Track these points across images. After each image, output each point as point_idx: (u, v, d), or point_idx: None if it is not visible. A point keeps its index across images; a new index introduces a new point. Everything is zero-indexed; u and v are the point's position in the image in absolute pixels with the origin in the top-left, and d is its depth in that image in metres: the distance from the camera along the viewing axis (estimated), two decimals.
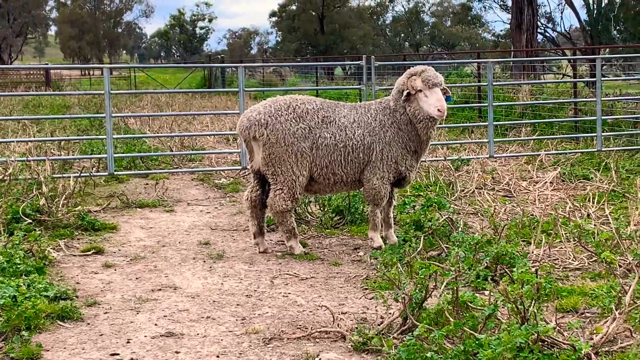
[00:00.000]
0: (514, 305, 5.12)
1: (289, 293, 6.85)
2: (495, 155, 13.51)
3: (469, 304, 5.76)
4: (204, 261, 7.93)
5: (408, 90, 8.03)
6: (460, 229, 8.33)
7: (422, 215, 8.01)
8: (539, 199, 10.91)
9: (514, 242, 7.94)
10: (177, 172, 13.21)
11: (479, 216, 9.99)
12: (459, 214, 10.02)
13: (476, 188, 11.73)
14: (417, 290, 5.67)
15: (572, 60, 19.44)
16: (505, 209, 10.03)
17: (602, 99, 14.42)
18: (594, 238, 7.76)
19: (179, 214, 10.30)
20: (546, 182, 12.01)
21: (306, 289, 6.99)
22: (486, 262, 7.08)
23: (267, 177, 8.07)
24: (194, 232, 9.30)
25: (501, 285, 5.52)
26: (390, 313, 5.93)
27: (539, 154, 13.82)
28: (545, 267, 7.31)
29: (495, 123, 13.88)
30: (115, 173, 12.02)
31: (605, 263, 7.26)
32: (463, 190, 11.48)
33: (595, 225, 8.97)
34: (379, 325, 5.83)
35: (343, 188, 8.38)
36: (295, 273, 7.48)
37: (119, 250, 8.44)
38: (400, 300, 5.66)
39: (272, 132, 7.88)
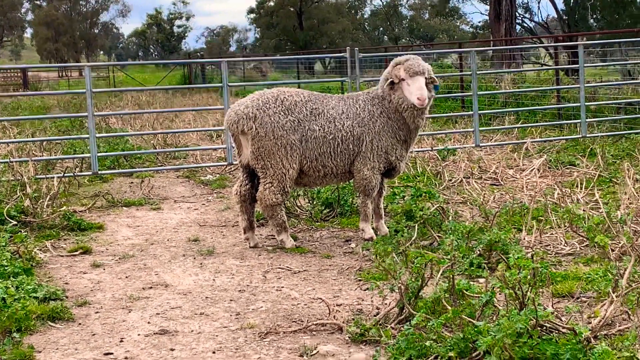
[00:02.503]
0: (511, 291, 5.07)
1: (283, 287, 6.78)
2: (481, 145, 13.47)
3: (465, 292, 5.71)
4: (194, 258, 7.85)
5: (391, 80, 7.99)
6: (451, 218, 8.27)
7: (414, 205, 7.94)
8: (527, 187, 10.88)
9: (505, 229, 7.91)
10: (162, 169, 13.10)
11: (468, 205, 9.95)
12: (448, 203, 9.98)
13: (464, 177, 11.69)
14: (413, 280, 5.61)
15: (553, 48, 19.37)
16: (494, 197, 10.00)
17: (585, 85, 14.40)
18: (585, 223, 7.72)
19: (166, 212, 10.21)
20: (533, 169, 11.99)
21: (299, 282, 6.92)
22: (479, 250, 7.04)
23: (256, 171, 7.99)
24: (182, 229, 9.21)
25: (498, 271, 5.46)
26: (386, 303, 5.88)
27: (524, 142, 13.80)
28: (538, 253, 7.26)
29: (480, 112, 13.83)
30: (100, 172, 11.87)
31: (598, 247, 7.26)
32: (451, 180, 11.44)
33: (585, 210, 8.95)
34: (375, 315, 5.77)
35: (333, 180, 8.33)
36: (287, 267, 7.41)
37: (107, 249, 8.34)
38: (396, 290, 5.61)
39: (261, 126, 7.81)
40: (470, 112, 13.72)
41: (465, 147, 13.51)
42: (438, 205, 8.06)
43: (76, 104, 26.04)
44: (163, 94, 29.38)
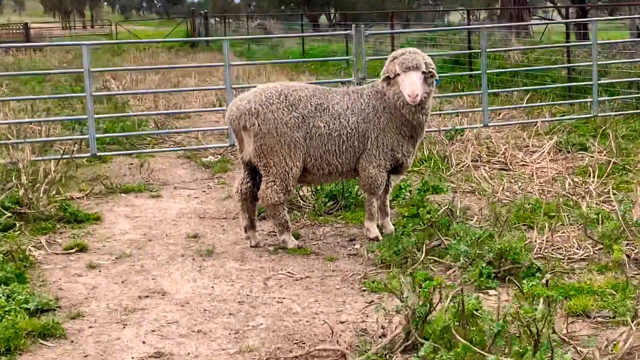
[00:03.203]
0: (526, 329, 4.79)
1: (284, 298, 6.51)
2: (489, 124, 13.11)
3: (475, 312, 5.43)
4: (193, 259, 7.58)
5: (387, 75, 7.67)
6: (459, 219, 7.98)
7: (421, 207, 7.63)
8: (536, 173, 10.56)
9: (516, 231, 7.64)
10: (163, 151, 12.69)
11: (477, 195, 9.65)
12: (456, 192, 9.70)
13: (472, 161, 11.38)
14: (420, 304, 5.34)
15: (565, 24, 18.86)
16: (503, 187, 9.68)
17: (598, 62, 14.02)
18: (598, 223, 7.41)
19: (165, 200, 9.92)
20: (543, 152, 11.67)
21: (301, 292, 6.65)
22: (489, 258, 6.75)
23: (258, 168, 7.70)
24: (182, 221, 8.93)
25: (511, 304, 5.17)
26: (391, 323, 5.60)
27: (535, 122, 13.44)
28: (551, 261, 6.98)
29: (490, 91, 13.45)
30: (98, 154, 11.54)
31: (612, 255, 6.98)
32: (459, 164, 11.13)
33: (597, 204, 8.67)
34: (380, 337, 5.51)
35: (338, 178, 8.04)
36: (289, 272, 7.14)
37: (104, 246, 8.07)
38: (402, 314, 5.34)
39: (264, 122, 7.49)
40: (480, 92, 13.32)
41: (473, 127, 13.12)
42: (446, 207, 7.73)
43: (78, 63, 25.42)
44: (166, 52, 28.74)
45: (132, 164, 11.75)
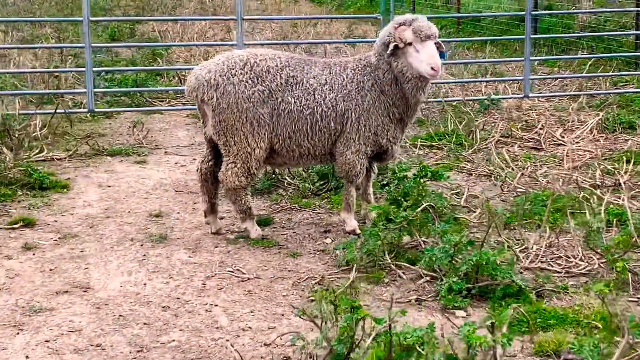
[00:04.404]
0: None
1: (216, 305, 5.63)
2: (531, 95, 11.85)
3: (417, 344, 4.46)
4: (141, 245, 6.75)
5: (395, 43, 6.59)
6: (448, 216, 6.95)
7: (393, 208, 6.58)
8: (568, 156, 9.39)
9: (511, 234, 6.60)
10: (167, 110, 11.69)
11: (491, 180, 8.57)
12: (471, 174, 8.67)
13: (502, 136, 10.25)
14: (339, 341, 4.39)
15: None
16: (521, 175, 8.56)
17: None
18: (603, 238, 6.29)
19: (149, 167, 9.08)
20: (584, 130, 10.45)
21: (240, 297, 5.76)
22: (464, 270, 5.74)
23: (219, 147, 6.79)
24: (154, 195, 8.11)
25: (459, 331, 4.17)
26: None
27: (583, 94, 12.12)
28: (540, 277, 5.92)
29: (532, 58, 12.13)
30: (96, 110, 10.73)
31: (616, 273, 5.90)
32: (485, 140, 10.00)
33: (624, 199, 7.51)
34: None
35: (311, 161, 7.08)
36: (238, 269, 6.26)
37: (55, 221, 7.30)
38: (318, 351, 4.41)
39: (223, 96, 6.56)
40: (521, 58, 12.05)
41: (511, 98, 11.90)
42: (426, 204, 6.67)
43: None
44: None
45: (135, 121, 10.90)
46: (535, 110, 11.76)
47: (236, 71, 6.58)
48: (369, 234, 6.26)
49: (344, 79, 6.76)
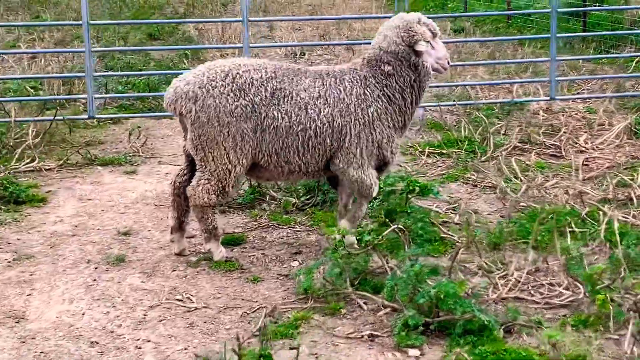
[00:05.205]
0: None
1: (149, 340, 5.18)
2: (557, 98, 11.12)
3: None
4: (96, 268, 6.34)
5: (423, 41, 6.31)
6: (423, 239, 6.38)
7: (361, 230, 6.02)
8: (586, 165, 8.72)
9: (459, 283, 6.02)
10: (161, 116, 11.14)
11: (495, 192, 7.96)
12: (476, 186, 8.11)
13: (521, 142, 9.61)
14: None
15: None
16: (530, 185, 7.92)
17: None
18: (584, 266, 5.66)
19: (137, 178, 8.69)
20: (610, 136, 9.73)
21: (179, 331, 5.30)
22: (424, 303, 5.18)
23: (196, 161, 6.34)
24: (132, 210, 7.71)
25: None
26: None
27: (609, 96, 11.33)
28: (511, 311, 5.32)
29: (559, 58, 11.37)
30: (96, 117, 10.38)
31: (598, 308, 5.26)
32: (502, 146, 9.36)
33: (635, 216, 6.88)
34: None
35: (303, 178, 6.63)
36: (189, 297, 5.80)
37: (17, 240, 6.95)
38: None
39: (202, 109, 6.09)
40: (547, 59, 11.31)
41: (538, 100, 11.19)
42: (394, 227, 6.09)
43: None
44: None
45: (139, 127, 10.48)
46: (567, 112, 11.07)
47: (217, 83, 6.11)
48: (328, 260, 5.74)
49: (340, 91, 6.26)
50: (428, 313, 5.19)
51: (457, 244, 6.52)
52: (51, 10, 20.88)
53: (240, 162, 6.19)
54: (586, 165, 8.81)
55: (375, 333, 5.22)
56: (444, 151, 9.34)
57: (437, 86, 12.11)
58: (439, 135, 10.03)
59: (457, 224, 7.17)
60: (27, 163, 8.99)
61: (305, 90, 6.24)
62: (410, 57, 6.27)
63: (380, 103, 6.30)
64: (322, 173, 6.50)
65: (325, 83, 6.31)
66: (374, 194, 6.48)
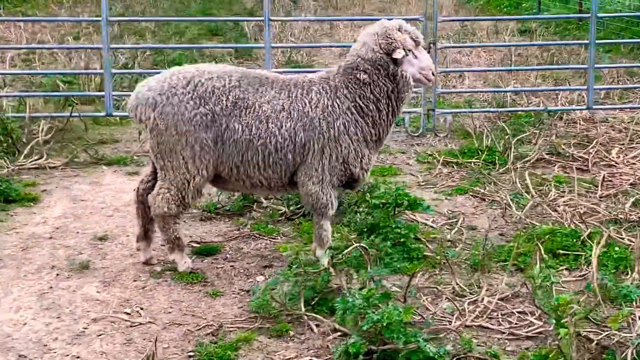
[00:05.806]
0: None
1: (78, 357, 4.96)
2: (595, 107, 10.51)
3: None
4: (57, 274, 6.14)
5: (402, 50, 5.92)
6: (387, 260, 6.00)
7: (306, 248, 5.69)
8: (609, 181, 8.19)
9: (411, 308, 5.61)
10: None
11: (502, 207, 7.51)
12: (484, 200, 7.68)
13: (548, 154, 9.11)
14: None
15: None
16: (539, 202, 7.44)
17: None
18: (552, 298, 5.19)
19: (136, 179, 8.46)
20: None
21: (114, 348, 5.06)
22: (369, 330, 4.82)
23: (157, 170, 6.11)
24: (120, 213, 7.51)
25: None
26: None
27: None
28: (464, 341, 4.90)
29: (597, 66, 10.74)
30: (114, 115, 10.22)
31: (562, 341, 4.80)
32: (522, 159, 8.86)
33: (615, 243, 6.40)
34: None
35: (268, 192, 6.38)
36: (139, 310, 5.55)
37: None
38: None
39: (161, 116, 5.86)
40: (584, 66, 10.71)
41: (573, 109, 10.61)
42: (356, 245, 5.72)
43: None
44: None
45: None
46: (608, 123, 10.50)
47: (177, 90, 5.86)
48: (278, 278, 5.42)
49: (305, 104, 5.92)
50: (374, 340, 4.83)
51: (441, 262, 6.14)
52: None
53: (200, 172, 5.93)
54: (609, 181, 8.26)
55: (316, 359, 4.88)
56: (460, 161, 8.89)
57: (479, 91, 11.68)
58: (464, 144, 9.60)
59: (449, 240, 6.77)
60: (35, 160, 8.90)
61: (268, 103, 5.92)
62: (389, 66, 5.89)
63: (350, 115, 5.94)
64: (288, 188, 6.18)
65: (291, 95, 5.98)
66: (330, 213, 6.10)
